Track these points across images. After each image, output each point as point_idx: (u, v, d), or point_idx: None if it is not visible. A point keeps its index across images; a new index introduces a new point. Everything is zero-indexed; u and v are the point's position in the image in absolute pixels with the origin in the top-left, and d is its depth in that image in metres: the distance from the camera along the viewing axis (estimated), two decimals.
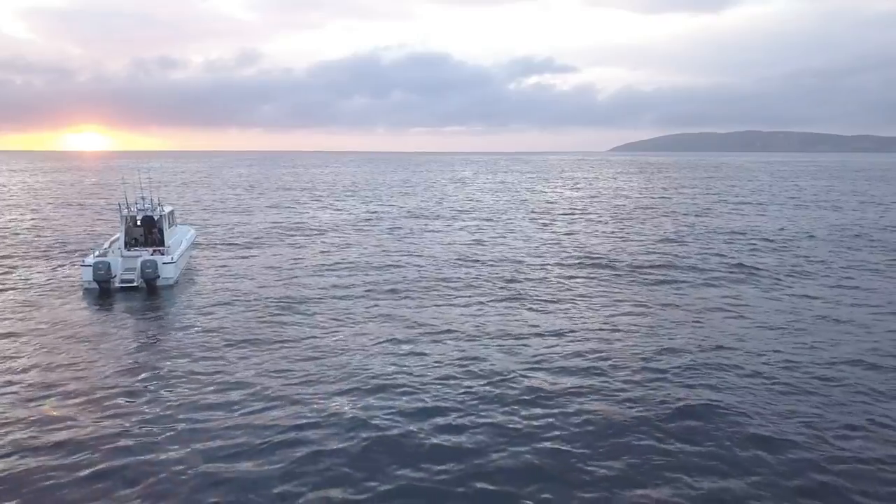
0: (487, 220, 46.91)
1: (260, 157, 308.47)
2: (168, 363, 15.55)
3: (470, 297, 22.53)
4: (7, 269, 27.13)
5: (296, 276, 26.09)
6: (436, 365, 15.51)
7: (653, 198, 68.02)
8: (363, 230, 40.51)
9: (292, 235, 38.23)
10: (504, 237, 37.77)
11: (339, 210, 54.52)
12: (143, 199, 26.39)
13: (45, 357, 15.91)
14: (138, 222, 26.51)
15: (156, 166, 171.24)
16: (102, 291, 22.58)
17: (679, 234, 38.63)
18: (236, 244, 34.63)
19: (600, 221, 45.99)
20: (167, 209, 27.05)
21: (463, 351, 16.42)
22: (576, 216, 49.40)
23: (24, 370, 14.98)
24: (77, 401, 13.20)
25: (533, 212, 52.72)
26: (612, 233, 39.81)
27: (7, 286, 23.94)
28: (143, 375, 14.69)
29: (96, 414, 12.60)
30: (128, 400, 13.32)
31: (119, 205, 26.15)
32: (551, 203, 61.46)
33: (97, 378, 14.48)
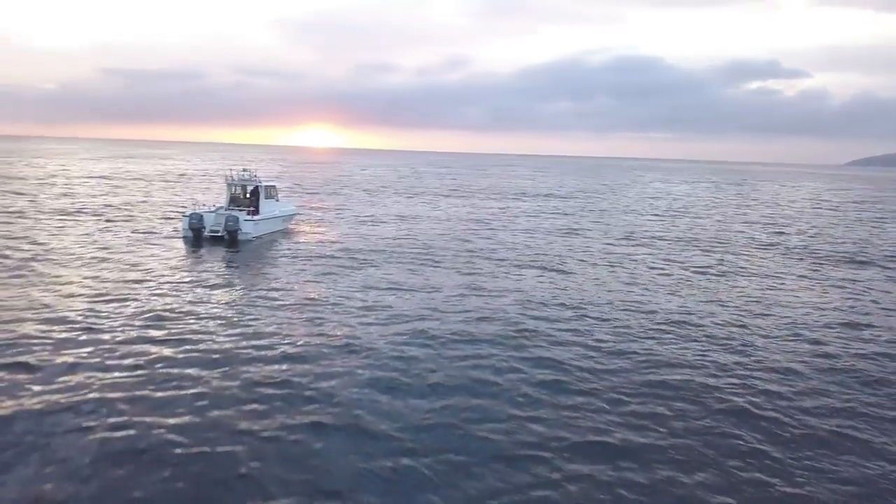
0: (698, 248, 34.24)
1: (460, 158, 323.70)
2: (209, 290, 20.81)
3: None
4: (145, 221, 35.33)
5: (373, 265, 25.68)
6: None
7: None
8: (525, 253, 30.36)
9: (406, 227, 37.50)
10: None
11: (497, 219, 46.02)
12: (245, 171, 32.86)
13: (130, 275, 22.12)
14: (247, 192, 33.03)
15: (365, 162, 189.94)
16: (195, 238, 29.09)
17: None
18: (345, 230, 35.83)
19: None
20: (265, 183, 33.19)
21: None
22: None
23: (120, 280, 21.37)
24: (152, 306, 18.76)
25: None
26: None
27: (138, 230, 31.87)
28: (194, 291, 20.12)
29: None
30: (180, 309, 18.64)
31: (225, 176, 32.97)
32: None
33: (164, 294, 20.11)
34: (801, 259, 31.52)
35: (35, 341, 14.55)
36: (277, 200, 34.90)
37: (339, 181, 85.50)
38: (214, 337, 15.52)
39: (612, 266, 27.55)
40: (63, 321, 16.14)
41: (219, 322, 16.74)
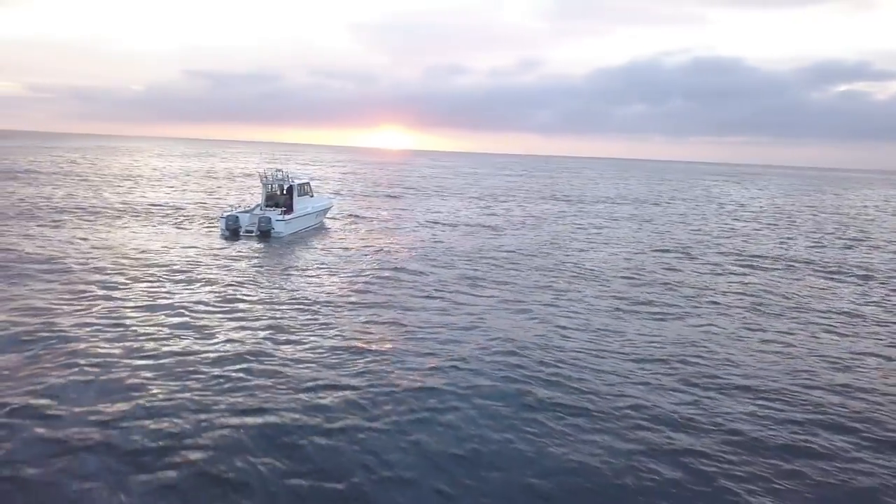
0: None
1: (528, 160, 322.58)
2: (234, 277, 23.08)
3: None
4: (187, 219, 37.98)
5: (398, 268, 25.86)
6: None
7: None
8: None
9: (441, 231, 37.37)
10: None
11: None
12: (279, 171, 35.17)
13: (176, 264, 24.69)
14: (283, 189, 35.31)
15: (428, 163, 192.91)
16: (232, 235, 31.55)
17: None
18: (382, 226, 38.33)
19: None
20: (298, 181, 35.39)
21: None
22: None
23: (166, 267, 23.81)
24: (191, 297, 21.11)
25: None
26: None
27: (181, 228, 34.63)
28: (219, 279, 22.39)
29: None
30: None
31: (260, 176, 35.40)
32: None
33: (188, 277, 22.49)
34: (812, 265, 31.11)
35: (81, 314, 16.89)
36: (312, 196, 37.17)
37: (396, 181, 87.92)
38: (224, 312, 17.53)
39: (618, 268, 28.15)
40: (96, 297, 18.54)
41: (222, 303, 18.75)
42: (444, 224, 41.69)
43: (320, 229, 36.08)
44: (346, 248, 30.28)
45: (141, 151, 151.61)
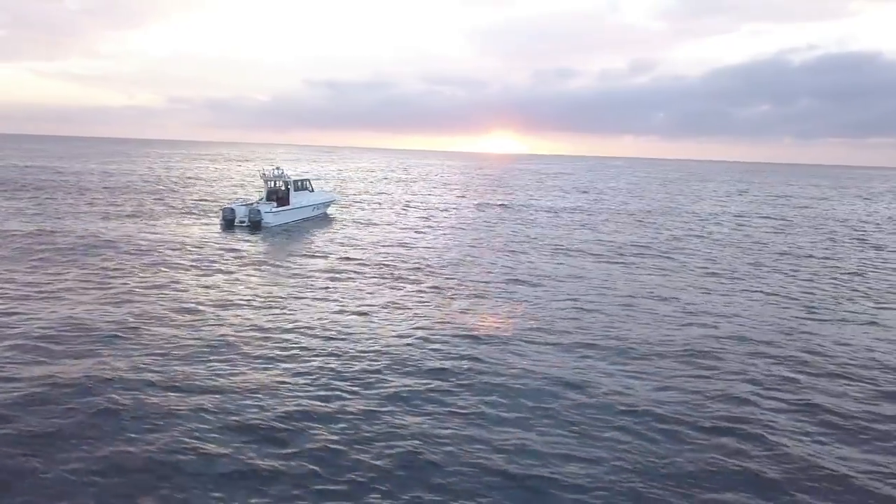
0: None
1: (639, 164, 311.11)
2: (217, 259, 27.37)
3: None
4: (194, 209, 43.16)
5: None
6: None
7: None
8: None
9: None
10: None
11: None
12: (277, 168, 39.32)
13: (174, 247, 29.25)
14: (284, 186, 39.28)
15: (534, 167, 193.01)
16: (227, 225, 35.96)
17: None
18: (384, 226, 39.06)
19: None
20: (294, 178, 39.42)
21: None
22: None
23: (165, 252, 28.40)
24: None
25: None
26: None
27: (189, 218, 39.54)
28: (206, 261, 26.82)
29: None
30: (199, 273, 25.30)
31: (261, 174, 39.76)
32: None
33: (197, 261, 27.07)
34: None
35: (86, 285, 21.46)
36: (311, 191, 41.23)
37: (465, 184, 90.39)
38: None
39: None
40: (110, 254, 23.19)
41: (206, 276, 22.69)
42: (441, 232, 43.70)
43: (320, 219, 40.20)
44: (319, 244, 33.61)
45: (248, 158, 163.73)
